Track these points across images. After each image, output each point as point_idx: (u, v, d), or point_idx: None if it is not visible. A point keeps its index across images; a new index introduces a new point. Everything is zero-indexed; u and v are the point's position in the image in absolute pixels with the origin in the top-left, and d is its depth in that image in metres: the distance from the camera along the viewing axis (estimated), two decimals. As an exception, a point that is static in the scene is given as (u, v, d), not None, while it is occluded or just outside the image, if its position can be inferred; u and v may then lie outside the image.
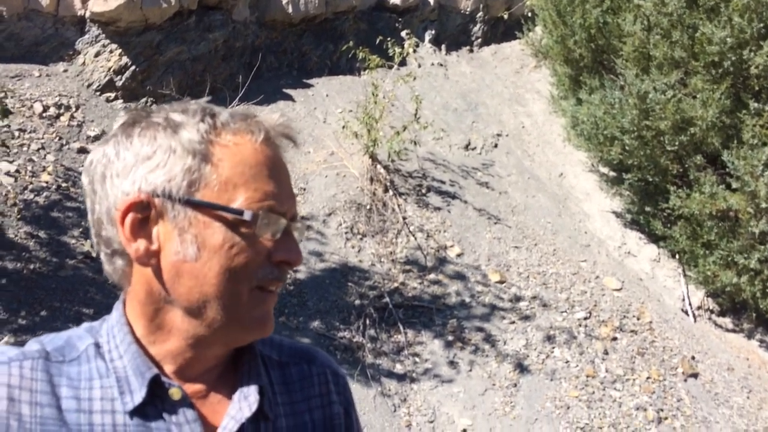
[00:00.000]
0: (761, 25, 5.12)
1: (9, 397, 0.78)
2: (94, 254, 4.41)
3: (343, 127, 5.95)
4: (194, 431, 0.84)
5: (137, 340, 0.86)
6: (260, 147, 0.85)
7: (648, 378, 4.89)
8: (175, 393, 0.84)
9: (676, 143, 5.61)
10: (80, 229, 4.54)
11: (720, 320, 5.98)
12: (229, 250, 0.82)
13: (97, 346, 0.86)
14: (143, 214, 0.82)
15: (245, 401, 0.89)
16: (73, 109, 5.41)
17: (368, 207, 5.66)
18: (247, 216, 0.81)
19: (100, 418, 0.81)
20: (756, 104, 5.24)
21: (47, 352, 0.84)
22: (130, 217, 0.82)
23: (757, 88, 5.43)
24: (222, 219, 0.81)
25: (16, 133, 4.94)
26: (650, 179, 6.01)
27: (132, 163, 0.82)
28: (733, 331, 5.91)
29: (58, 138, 5.12)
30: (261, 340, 0.98)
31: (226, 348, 0.89)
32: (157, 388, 0.83)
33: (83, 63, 5.77)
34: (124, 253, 0.84)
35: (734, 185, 5.27)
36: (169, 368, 0.87)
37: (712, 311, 6.01)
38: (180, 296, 0.83)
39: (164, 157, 0.82)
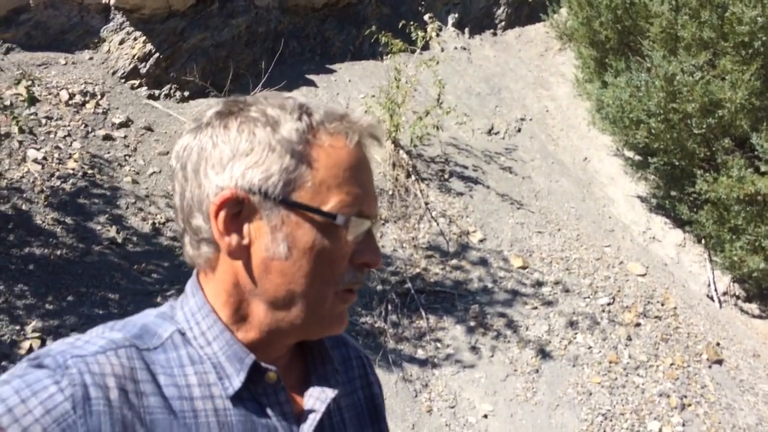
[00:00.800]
0: (793, 4, 4.99)
1: (120, 386, 0.76)
2: (119, 240, 4.49)
3: (366, 112, 5.94)
4: (286, 411, 0.88)
5: (227, 327, 0.87)
6: (353, 149, 0.86)
7: (672, 364, 4.84)
8: (272, 376, 0.87)
9: (704, 126, 5.51)
10: (106, 216, 4.61)
11: (746, 306, 5.89)
12: (319, 252, 0.83)
13: (181, 332, 0.86)
14: (237, 209, 0.82)
15: (325, 382, 0.93)
16: (99, 97, 5.48)
17: (390, 192, 5.66)
18: (339, 221, 0.82)
19: (202, 404, 0.82)
20: (787, 86, 5.12)
21: (136, 338, 0.83)
22: (224, 211, 0.82)
23: (788, 70, 5.30)
24: (314, 221, 0.82)
25: (43, 121, 5.02)
26: (676, 163, 5.92)
27: (229, 156, 0.82)
28: (760, 317, 5.82)
29: (83, 125, 5.19)
30: None
31: (300, 339, 0.92)
32: (254, 372, 0.85)
33: (108, 50, 5.83)
34: (212, 242, 0.85)
35: (763, 168, 5.17)
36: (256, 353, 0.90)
37: (738, 297, 5.92)
38: (266, 291, 0.84)
39: (263, 155, 0.82)
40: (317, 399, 0.91)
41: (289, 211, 0.82)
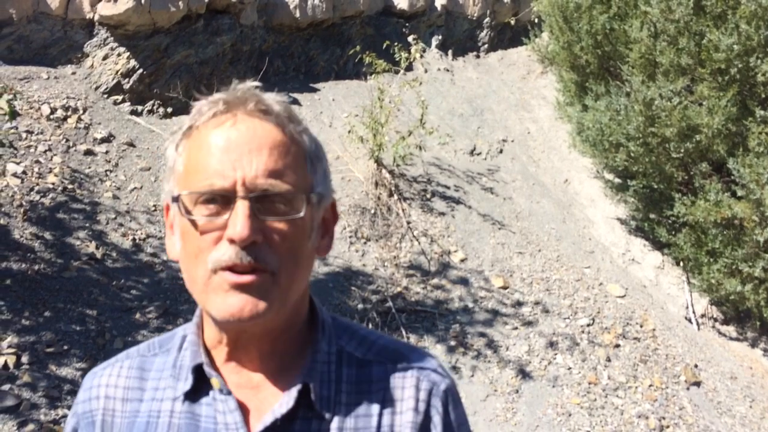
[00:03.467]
0: (768, 32, 5.11)
1: (105, 395, 0.96)
2: (98, 256, 4.45)
3: (349, 131, 5.97)
4: (235, 420, 0.88)
5: (201, 332, 0.95)
6: (212, 122, 0.87)
7: (650, 386, 4.87)
8: (214, 382, 0.90)
9: (682, 150, 5.60)
10: (85, 231, 4.57)
11: (724, 328, 5.95)
12: (187, 235, 0.86)
13: (185, 337, 0.97)
14: (169, 217, 0.94)
15: (289, 397, 0.89)
16: (81, 112, 5.46)
17: (372, 211, 5.67)
18: (183, 199, 0.86)
19: (163, 405, 0.92)
20: (762, 112, 5.22)
21: (151, 348, 0.99)
22: (168, 221, 0.94)
23: (763, 96, 5.41)
24: (180, 208, 0.87)
25: (24, 135, 4.98)
26: (655, 186, 6.00)
27: (165, 175, 0.94)
28: (737, 339, 5.88)
29: (65, 140, 5.16)
30: (349, 336, 0.98)
31: (237, 335, 0.90)
32: (202, 377, 0.90)
33: (91, 66, 5.82)
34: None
35: (739, 193, 5.25)
36: (219, 357, 0.93)
37: (715, 319, 5.99)
38: (188, 286, 0.90)
39: (169, 162, 0.91)
40: (272, 412, 0.87)
41: (174, 204, 0.88)
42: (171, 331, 1.00)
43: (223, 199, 0.83)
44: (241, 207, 0.82)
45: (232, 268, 0.83)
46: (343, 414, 0.90)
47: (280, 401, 0.88)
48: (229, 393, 0.89)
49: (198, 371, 0.91)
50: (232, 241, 0.82)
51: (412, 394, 0.93)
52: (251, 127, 0.86)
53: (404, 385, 0.94)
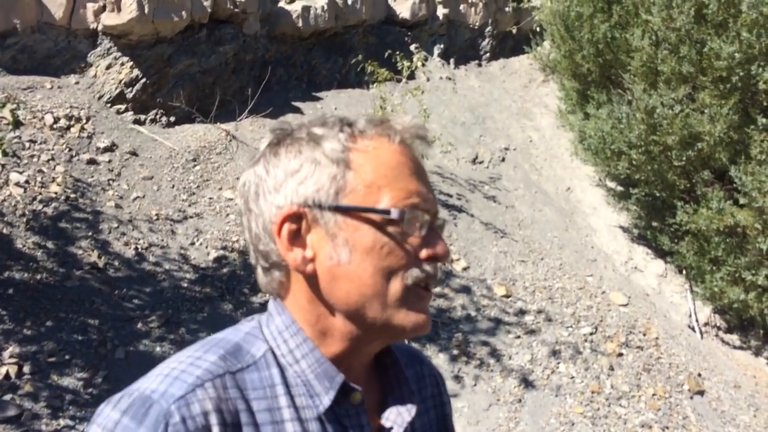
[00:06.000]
0: (769, 40, 5.11)
1: (221, 422, 0.79)
2: (101, 265, 4.45)
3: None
4: None
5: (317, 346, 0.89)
6: (398, 148, 0.89)
7: (654, 395, 4.85)
8: (357, 397, 0.88)
9: (684, 158, 5.60)
10: (88, 240, 4.58)
11: (727, 337, 5.93)
12: (380, 250, 0.85)
13: (272, 351, 0.89)
14: (297, 224, 0.87)
15: (402, 405, 0.93)
16: (84, 121, 5.48)
17: (374, 220, 5.67)
18: (394, 214, 0.84)
19: (291, 427, 0.84)
20: (764, 120, 5.22)
21: (227, 360, 0.85)
22: (285, 228, 0.87)
23: (765, 104, 5.42)
24: (370, 221, 0.85)
25: (27, 144, 5.00)
26: (657, 194, 6.00)
27: (282, 178, 0.88)
28: (740, 348, 5.86)
29: (68, 149, 5.18)
30: None
31: (383, 345, 0.93)
32: (340, 393, 0.86)
33: (95, 75, 5.84)
34: (281, 265, 0.89)
35: (742, 201, 5.25)
36: None
37: (719, 328, 5.97)
38: (339, 300, 0.86)
39: (311, 169, 0.87)
40: (394, 422, 0.92)
41: (345, 216, 0.85)
42: (217, 341, 0.88)
43: (419, 220, 0.87)
44: (437, 227, 0.90)
45: (426, 285, 0.88)
46: (416, 413, 0.96)
47: (392, 410, 0.93)
48: (365, 409, 0.89)
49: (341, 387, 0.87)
50: (435, 259, 0.88)
51: (440, 389, 1.08)
52: (418, 156, 0.92)
53: (432, 383, 1.07)
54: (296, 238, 0.87)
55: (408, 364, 1.03)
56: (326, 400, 0.85)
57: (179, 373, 0.81)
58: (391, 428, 0.91)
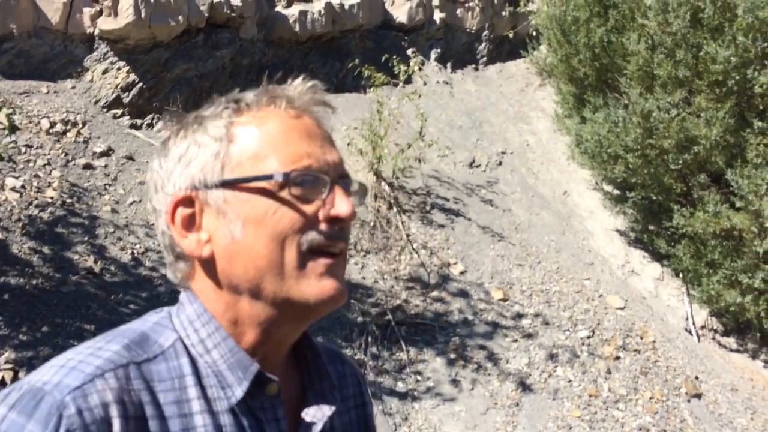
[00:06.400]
0: (765, 44, 5.14)
1: (122, 415, 0.73)
2: (97, 270, 4.44)
3: (348, 144, 5.98)
4: (283, 429, 0.84)
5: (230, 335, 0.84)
6: (286, 114, 0.86)
7: (651, 398, 4.85)
8: (273, 388, 0.83)
9: (680, 162, 5.61)
10: (84, 245, 4.57)
11: (724, 340, 5.94)
12: (273, 216, 0.81)
13: (182, 341, 0.83)
14: (190, 209, 0.84)
15: (323, 399, 0.90)
16: (80, 126, 5.47)
17: (372, 224, 5.67)
18: (278, 177, 0.81)
19: (201, 419, 0.80)
20: (760, 123, 5.24)
21: (132, 350, 0.79)
22: (178, 215, 0.84)
23: (761, 107, 5.44)
24: (261, 190, 0.82)
25: (23, 149, 4.99)
26: (654, 198, 6.01)
27: (172, 167, 0.86)
28: (737, 351, 5.86)
29: (64, 154, 5.17)
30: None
31: (298, 329, 0.88)
32: (255, 384, 0.82)
33: (91, 80, 5.84)
34: (184, 255, 0.86)
35: (738, 204, 5.26)
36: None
37: (715, 331, 5.97)
38: (239, 279, 0.82)
39: (195, 150, 0.84)
40: (313, 417, 0.88)
41: (233, 190, 0.82)
42: (122, 331, 0.83)
43: (314, 182, 0.83)
44: (339, 188, 0.84)
45: (326, 251, 0.83)
46: (336, 411, 0.92)
47: (311, 405, 0.89)
48: (282, 401, 0.84)
49: (255, 378, 0.82)
50: (334, 221, 0.83)
51: (362, 389, 1.04)
52: (317, 121, 0.89)
53: (353, 382, 1.03)
54: (191, 224, 0.84)
55: (329, 362, 0.98)
56: (239, 391, 0.81)
57: (76, 364, 0.76)
58: (312, 423, 0.88)
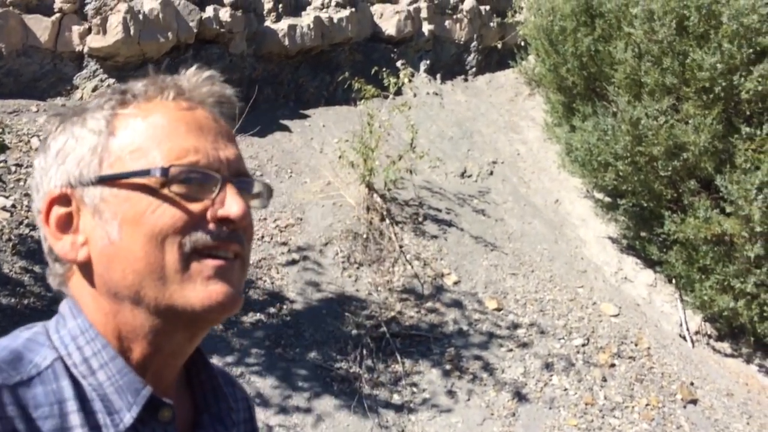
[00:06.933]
0: (750, 50, 5.18)
1: None
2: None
3: (340, 156, 5.99)
4: None
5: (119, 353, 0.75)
6: (174, 105, 0.79)
7: (647, 405, 4.85)
8: (166, 413, 0.75)
9: (670, 168, 5.64)
10: (76, 263, 4.55)
11: (718, 345, 5.95)
12: (151, 216, 0.73)
13: (62, 360, 0.74)
14: (66, 208, 0.77)
15: (220, 423, 0.84)
16: (71, 143, 5.46)
17: (365, 236, 5.67)
18: (155, 173, 0.73)
19: None
20: (748, 129, 5.28)
21: (2, 372, 0.69)
22: (53, 214, 0.77)
23: (748, 113, 5.48)
24: (140, 187, 0.74)
25: (13, 168, 4.98)
26: (645, 204, 6.04)
27: (50, 163, 0.79)
28: (732, 356, 5.88)
29: (55, 172, 5.16)
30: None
31: (190, 337, 0.79)
32: (146, 408, 0.74)
33: (81, 98, 5.83)
34: (62, 260, 0.78)
35: (728, 209, 5.29)
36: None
37: (710, 336, 5.99)
38: (118, 285, 0.74)
39: (72, 145, 0.77)
40: None
41: (111, 187, 0.75)
42: None
43: (202, 179, 0.76)
44: (231, 187, 0.78)
45: (214, 253, 0.75)
46: None
47: (206, 429, 0.83)
48: (176, 427, 0.76)
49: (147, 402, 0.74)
50: (223, 222, 0.76)
51: (252, 415, 0.98)
52: (214, 115, 0.82)
53: (244, 406, 0.96)
54: (68, 225, 0.76)
55: (224, 383, 0.91)
56: (128, 417, 0.72)
57: None
58: None
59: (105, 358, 0.74)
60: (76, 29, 5.82)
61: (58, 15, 5.75)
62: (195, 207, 0.75)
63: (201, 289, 0.74)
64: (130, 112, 0.78)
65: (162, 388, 0.77)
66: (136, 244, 0.73)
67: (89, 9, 5.88)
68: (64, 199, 0.77)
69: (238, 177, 0.80)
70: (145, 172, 0.74)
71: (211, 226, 0.75)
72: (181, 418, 0.80)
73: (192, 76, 0.82)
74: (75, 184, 0.76)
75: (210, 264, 0.75)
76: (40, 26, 5.67)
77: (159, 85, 0.80)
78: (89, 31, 5.86)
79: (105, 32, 5.82)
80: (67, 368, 0.73)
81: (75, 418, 0.70)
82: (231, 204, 0.76)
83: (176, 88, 0.81)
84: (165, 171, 0.73)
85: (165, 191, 0.74)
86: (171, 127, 0.77)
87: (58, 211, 0.77)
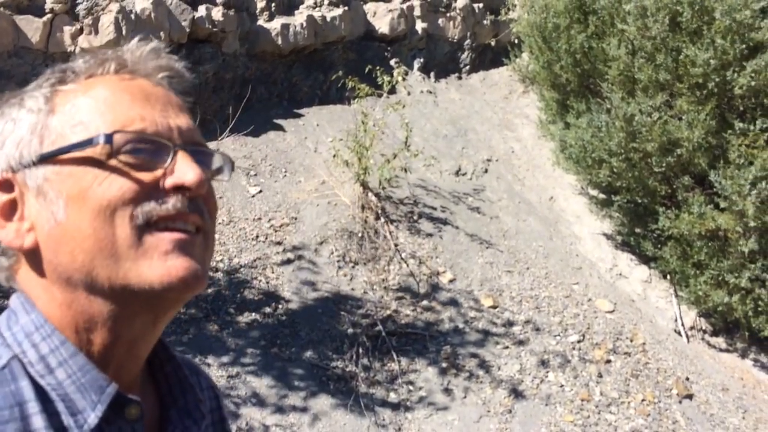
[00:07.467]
0: (743, 46, 5.20)
1: None
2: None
3: (334, 155, 5.98)
4: None
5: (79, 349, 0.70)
6: (117, 78, 0.75)
7: (643, 400, 4.87)
8: (133, 411, 0.71)
9: (664, 164, 5.66)
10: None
11: (713, 340, 5.97)
12: (98, 188, 0.68)
13: (19, 359, 0.69)
14: (9, 194, 0.72)
15: (188, 417, 0.80)
16: (64, 144, 5.44)
17: (360, 235, 5.67)
18: (99, 140, 0.69)
19: None
20: (741, 124, 5.29)
21: None
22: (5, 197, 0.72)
23: (741, 108, 5.50)
24: (84, 161, 0.69)
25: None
26: (639, 201, 6.05)
27: None
28: (727, 350, 5.90)
29: (48, 173, 5.14)
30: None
31: (152, 321, 0.73)
32: (112, 407, 0.69)
33: (74, 98, 5.81)
34: (7, 250, 0.74)
35: (722, 205, 5.30)
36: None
37: (704, 331, 6.01)
38: (68, 268, 0.69)
39: (10, 128, 0.73)
40: None
41: (54, 165, 0.70)
42: None
43: (153, 148, 0.71)
44: (185, 154, 0.73)
45: (171, 225, 0.70)
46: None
47: (176, 423, 0.79)
48: (143, 425, 0.72)
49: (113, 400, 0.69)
50: (178, 190, 0.71)
51: (219, 404, 0.93)
52: (163, 87, 0.78)
53: (210, 396, 0.91)
54: (12, 212, 0.72)
55: (189, 373, 0.86)
56: (92, 417, 0.67)
57: None
58: None
59: (64, 354, 0.69)
60: (68, 30, 5.79)
61: (49, 15, 5.73)
62: (146, 177, 0.70)
63: (159, 265, 0.68)
64: (70, 89, 0.74)
65: (126, 384, 0.73)
66: (84, 221, 0.68)
67: (81, 9, 5.85)
68: (6, 185, 0.72)
69: (194, 146, 0.76)
70: (87, 142, 0.69)
71: (166, 196, 0.70)
72: (148, 414, 0.76)
73: (136, 49, 0.77)
74: (16, 168, 0.72)
75: (167, 237, 0.69)
76: (32, 27, 5.64)
77: (100, 58, 0.76)
78: (81, 31, 5.83)
79: (97, 32, 5.79)
80: (24, 367, 0.68)
81: (38, 420, 0.66)
82: (185, 170, 0.71)
83: (118, 61, 0.76)
84: (109, 137, 0.69)
85: (112, 162, 0.69)
86: (114, 98, 0.73)
87: (1, 197, 0.72)
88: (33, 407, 0.66)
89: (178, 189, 0.71)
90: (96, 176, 0.69)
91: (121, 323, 0.71)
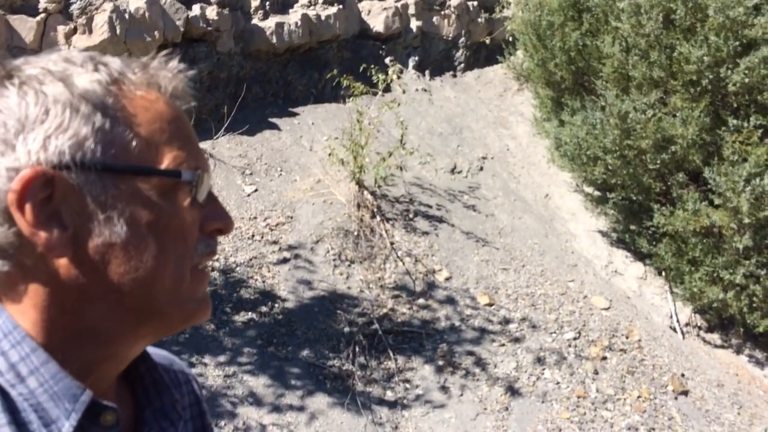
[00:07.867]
0: (737, 43, 5.22)
1: None
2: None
3: (330, 154, 5.98)
4: None
5: (52, 356, 0.66)
6: (168, 101, 0.72)
7: (639, 397, 4.89)
8: (108, 418, 0.68)
9: (658, 162, 5.67)
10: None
11: (708, 336, 6.00)
12: (167, 223, 0.67)
13: None
14: (46, 192, 0.63)
15: (165, 419, 0.78)
16: (58, 144, 5.42)
17: (356, 233, 5.67)
18: (186, 176, 0.68)
19: None
20: (735, 121, 5.31)
21: None
22: (30, 198, 0.62)
23: (735, 105, 5.52)
24: (152, 186, 0.67)
25: None
26: (634, 198, 6.07)
27: (17, 129, 0.63)
28: (722, 347, 5.92)
29: (43, 173, 5.12)
30: None
31: (151, 342, 0.74)
32: (85, 415, 0.66)
33: (68, 98, 5.80)
34: (9, 254, 0.64)
35: (717, 201, 5.32)
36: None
37: (700, 327, 6.03)
38: (107, 286, 0.66)
39: (65, 117, 0.64)
40: None
41: (119, 180, 0.65)
42: None
43: (204, 186, 0.72)
44: (213, 193, 0.74)
45: (203, 265, 0.73)
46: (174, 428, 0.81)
47: (152, 426, 0.77)
48: (119, 431, 0.69)
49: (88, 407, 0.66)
50: (219, 233, 0.73)
51: (198, 396, 0.91)
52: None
53: (189, 389, 0.90)
54: (46, 212, 0.63)
55: (164, 370, 0.84)
56: (66, 426, 0.64)
57: None
58: None
59: (35, 362, 0.64)
60: (62, 29, 5.77)
61: (43, 15, 5.71)
62: (196, 215, 0.70)
63: (201, 300, 0.72)
64: (130, 96, 0.69)
65: (103, 390, 0.70)
66: (148, 250, 0.66)
67: (74, 9, 5.83)
68: (45, 179, 0.63)
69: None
70: (175, 174, 0.67)
71: (209, 238, 0.73)
72: (123, 418, 0.73)
73: (168, 72, 0.75)
74: (70, 165, 0.63)
75: (205, 279, 0.73)
76: (25, 27, 5.62)
77: (153, 75, 0.72)
78: (75, 31, 5.82)
79: (91, 32, 5.78)
80: None
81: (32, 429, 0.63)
82: (221, 213, 0.73)
83: (173, 87, 0.74)
84: (194, 176, 0.68)
85: (176, 197, 0.68)
86: (175, 124, 0.70)
87: (38, 192, 0.63)
88: (1, 419, 0.62)
89: (218, 231, 0.73)
90: (165, 207, 0.67)
91: (131, 338, 0.70)
